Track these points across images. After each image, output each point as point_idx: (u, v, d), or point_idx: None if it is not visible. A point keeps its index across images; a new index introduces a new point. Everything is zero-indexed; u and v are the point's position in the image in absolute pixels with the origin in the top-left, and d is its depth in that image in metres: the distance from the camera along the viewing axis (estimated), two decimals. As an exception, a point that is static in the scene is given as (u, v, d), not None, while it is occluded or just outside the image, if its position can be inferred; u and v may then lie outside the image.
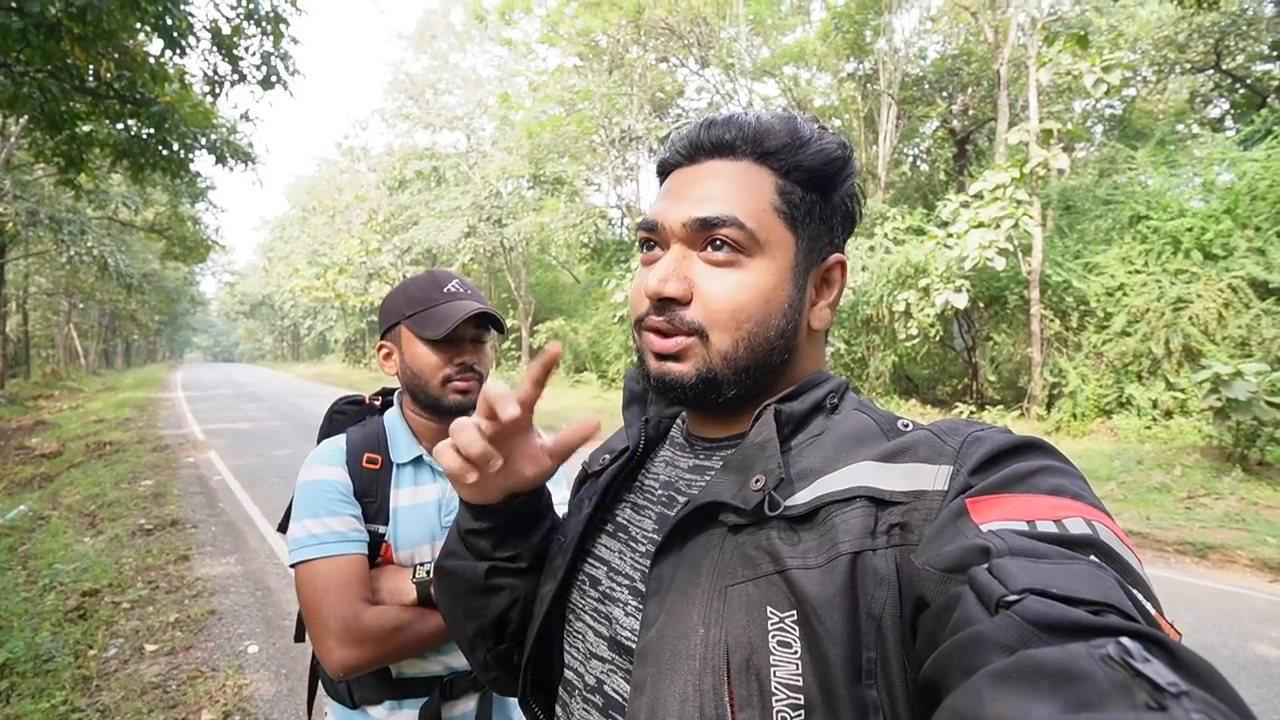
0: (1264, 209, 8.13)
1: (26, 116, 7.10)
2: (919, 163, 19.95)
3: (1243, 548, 4.58)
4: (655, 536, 0.60)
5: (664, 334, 0.58)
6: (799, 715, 0.44)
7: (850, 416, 0.57)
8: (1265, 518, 5.20)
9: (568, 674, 0.64)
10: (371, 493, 1.08)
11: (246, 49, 6.72)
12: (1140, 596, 0.36)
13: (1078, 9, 12.34)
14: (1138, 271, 8.87)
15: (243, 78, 6.83)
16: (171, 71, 6.41)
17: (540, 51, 20.96)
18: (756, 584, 0.48)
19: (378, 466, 1.10)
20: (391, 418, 1.17)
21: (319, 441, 1.17)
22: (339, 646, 0.94)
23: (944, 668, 0.35)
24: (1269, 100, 13.21)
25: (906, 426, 0.54)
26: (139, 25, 5.53)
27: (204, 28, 6.32)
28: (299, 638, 1.08)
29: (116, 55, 5.89)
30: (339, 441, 1.12)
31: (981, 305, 10.52)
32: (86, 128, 6.74)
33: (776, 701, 0.45)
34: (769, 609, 0.47)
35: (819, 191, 0.60)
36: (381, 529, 1.07)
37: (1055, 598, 0.34)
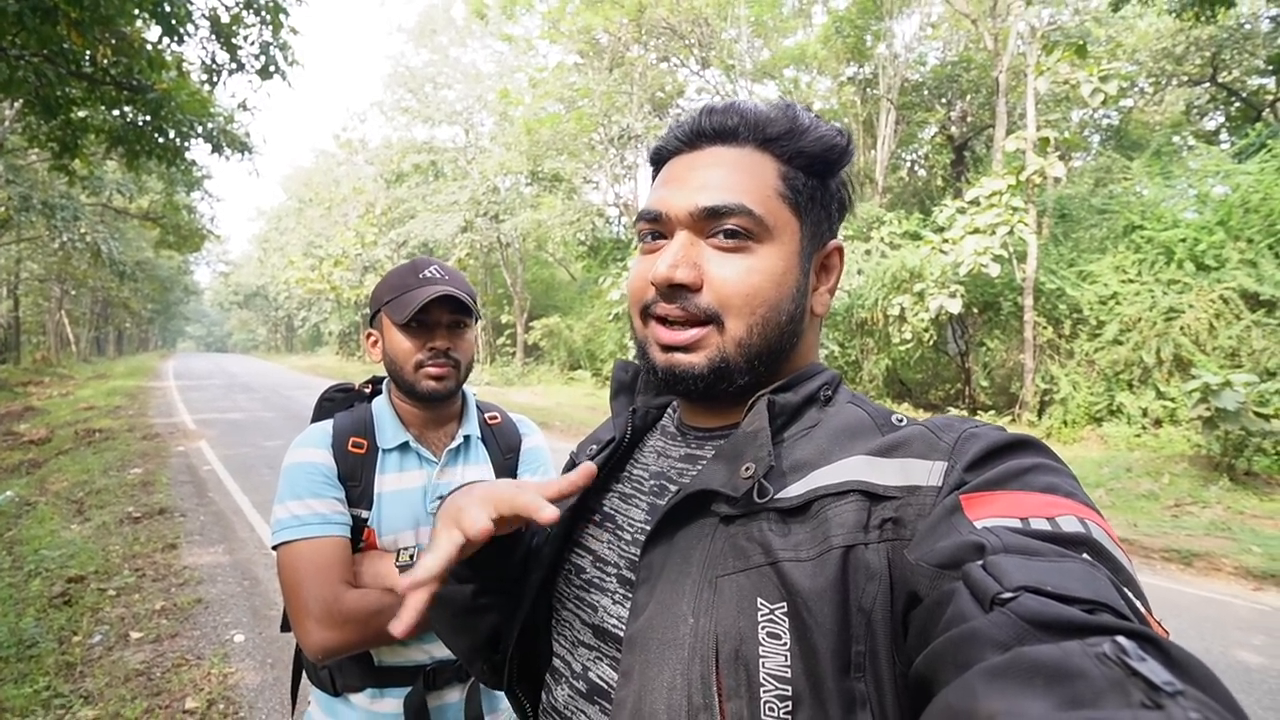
0: (1256, 221, 8.19)
1: (21, 101, 7.05)
2: (916, 168, 20.00)
3: (1227, 556, 4.62)
4: (644, 526, 0.60)
5: (676, 324, 0.57)
6: (787, 706, 0.44)
7: (844, 409, 0.57)
8: (1250, 526, 5.24)
9: (555, 661, 0.64)
10: (356, 477, 1.08)
11: (245, 38, 6.69)
12: (1131, 595, 0.36)
13: (1077, 19, 12.41)
14: (1131, 281, 8.92)
15: (241, 67, 6.80)
16: (169, 59, 6.37)
17: (541, 48, 20.95)
18: (747, 575, 0.48)
19: (363, 451, 1.10)
20: (379, 404, 1.17)
21: None
22: (318, 628, 0.94)
23: (937, 664, 0.35)
24: (1264, 114, 13.32)
25: (900, 421, 0.54)
26: (137, 11, 5.50)
27: (203, 16, 6.30)
28: (285, 628, 1.07)
29: (113, 41, 5.85)
30: (325, 425, 1.13)
31: (975, 311, 10.57)
32: (82, 113, 6.70)
33: (765, 692, 0.45)
34: (759, 600, 0.47)
35: (819, 178, 0.60)
36: (365, 513, 1.07)
37: (1050, 595, 0.33)
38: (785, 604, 0.46)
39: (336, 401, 1.24)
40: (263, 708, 2.79)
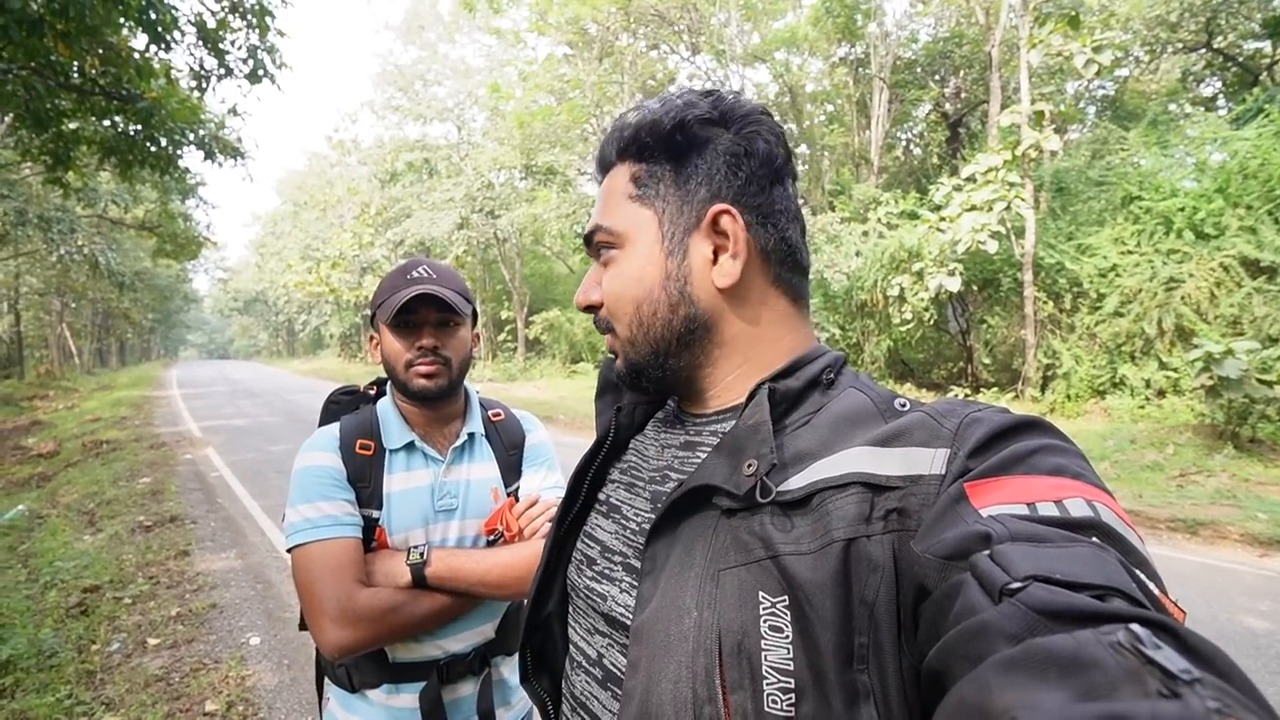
0: (1255, 188, 8.15)
1: (12, 114, 7.04)
2: (912, 147, 19.90)
3: (1233, 523, 4.64)
4: (649, 515, 0.61)
5: (609, 334, 0.65)
6: (790, 698, 0.44)
7: (847, 394, 0.56)
8: (1255, 494, 5.26)
9: (572, 649, 0.66)
10: (365, 478, 1.09)
11: (232, 43, 6.67)
12: (1143, 577, 0.36)
13: (1069, -11, 12.28)
14: (1130, 252, 8.89)
15: (229, 72, 6.78)
16: (157, 67, 6.36)
17: (530, 40, 20.83)
18: (749, 569, 0.48)
19: (371, 453, 1.11)
20: (384, 405, 1.18)
21: None
22: (334, 627, 0.96)
23: (949, 657, 0.35)
24: (1261, 78, 13.20)
25: (904, 406, 0.54)
26: (122, 20, 5.47)
27: (189, 22, 6.27)
28: (303, 626, 1.09)
29: (101, 51, 5.84)
30: (333, 429, 1.14)
31: (975, 288, 10.55)
32: (73, 125, 6.70)
33: (768, 684, 0.45)
34: (761, 594, 0.47)
35: (676, 157, 0.60)
36: (375, 514, 1.09)
37: (1059, 584, 0.33)
38: (786, 597, 0.46)
39: (343, 404, 1.26)
40: (281, 708, 2.82)
